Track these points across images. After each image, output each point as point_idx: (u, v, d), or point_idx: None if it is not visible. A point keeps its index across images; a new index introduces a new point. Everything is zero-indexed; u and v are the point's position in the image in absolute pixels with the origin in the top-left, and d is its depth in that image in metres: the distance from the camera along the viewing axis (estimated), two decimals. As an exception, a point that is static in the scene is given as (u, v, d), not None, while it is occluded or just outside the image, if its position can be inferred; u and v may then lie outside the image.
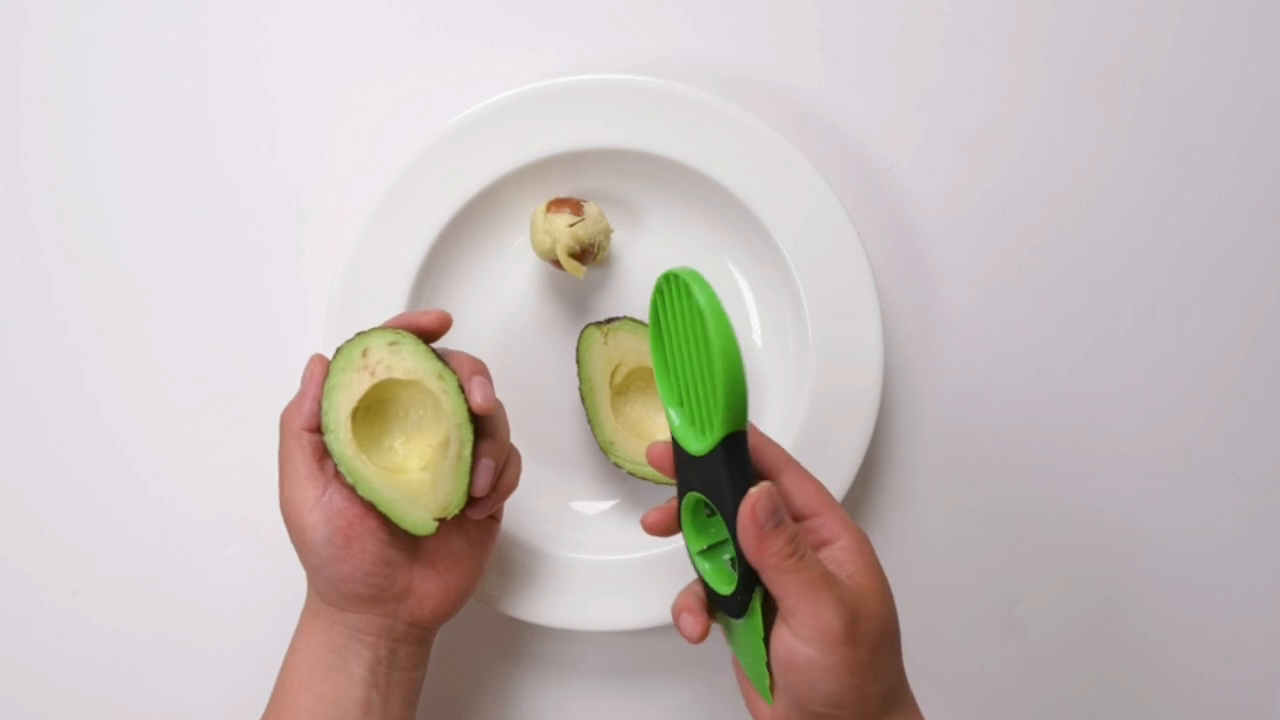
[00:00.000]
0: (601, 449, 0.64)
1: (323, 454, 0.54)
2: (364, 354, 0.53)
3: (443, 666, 0.68)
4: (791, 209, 0.64)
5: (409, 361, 0.53)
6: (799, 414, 0.64)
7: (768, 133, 0.64)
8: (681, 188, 0.66)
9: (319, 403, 0.53)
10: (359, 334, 0.54)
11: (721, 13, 0.69)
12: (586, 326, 0.64)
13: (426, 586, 0.55)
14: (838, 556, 0.49)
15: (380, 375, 0.53)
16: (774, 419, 0.66)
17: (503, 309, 0.67)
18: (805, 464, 0.64)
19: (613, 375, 0.64)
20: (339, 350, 0.54)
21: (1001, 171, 0.69)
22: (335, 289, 0.64)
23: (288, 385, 0.67)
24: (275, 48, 0.68)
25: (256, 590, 0.67)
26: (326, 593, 0.53)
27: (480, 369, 0.56)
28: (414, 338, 0.54)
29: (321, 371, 0.54)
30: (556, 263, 0.63)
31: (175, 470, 0.67)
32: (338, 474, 0.53)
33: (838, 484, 0.64)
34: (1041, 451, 0.69)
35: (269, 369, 0.67)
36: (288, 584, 0.67)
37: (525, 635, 0.68)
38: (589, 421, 0.64)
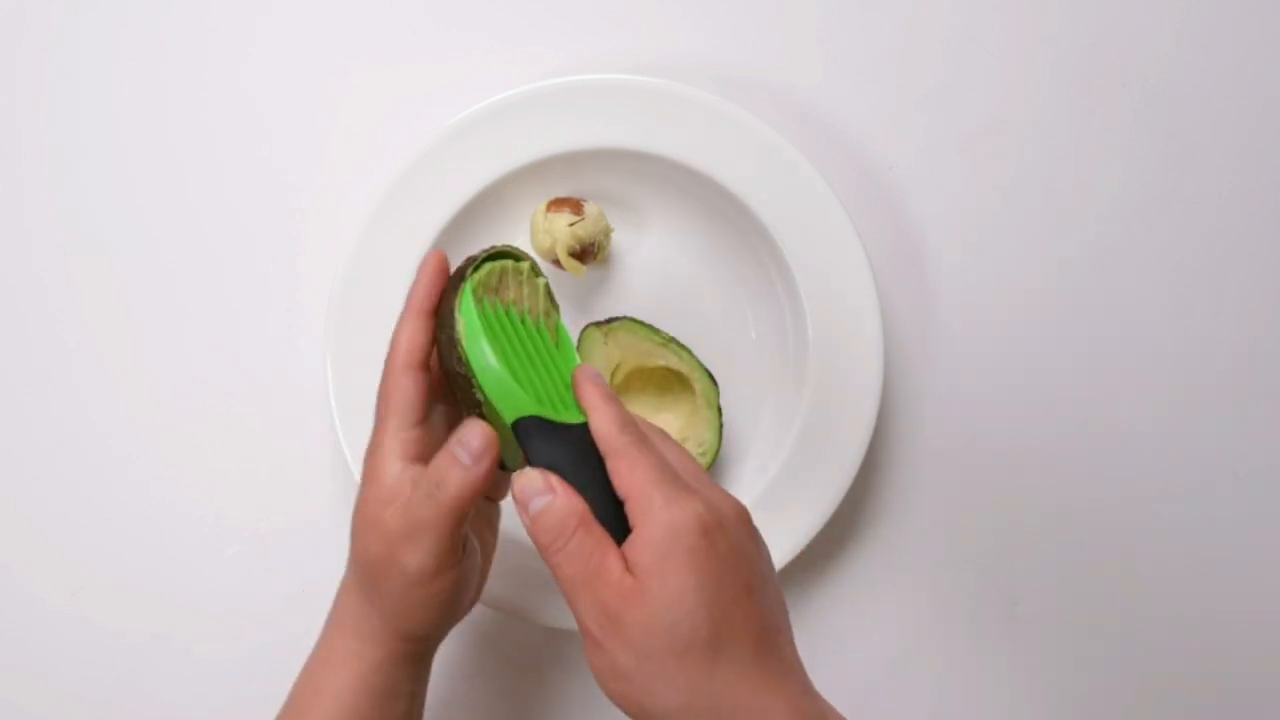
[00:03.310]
0: (601, 449, 0.64)
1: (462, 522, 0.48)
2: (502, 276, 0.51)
3: (442, 666, 0.68)
4: (791, 209, 0.64)
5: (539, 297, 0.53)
6: (799, 414, 0.64)
7: (768, 133, 0.64)
8: (681, 188, 0.66)
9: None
10: (489, 257, 0.51)
11: (721, 13, 0.69)
12: (586, 326, 0.64)
13: (472, 595, 0.53)
14: (629, 548, 0.44)
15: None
16: (773, 419, 0.66)
17: (503, 309, 0.66)
18: (804, 465, 0.64)
19: (613, 375, 0.64)
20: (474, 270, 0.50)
21: (1002, 171, 0.69)
22: (336, 289, 0.64)
23: (288, 385, 0.68)
24: (275, 48, 0.68)
25: (256, 590, 0.67)
26: (427, 631, 0.51)
27: None
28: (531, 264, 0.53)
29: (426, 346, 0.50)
30: (557, 262, 0.63)
31: (175, 471, 0.67)
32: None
33: (838, 484, 0.64)
34: (1041, 451, 0.69)
35: (269, 369, 0.67)
36: (288, 584, 0.67)
37: (525, 635, 0.68)
38: (589, 421, 0.64)
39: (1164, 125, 0.69)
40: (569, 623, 0.63)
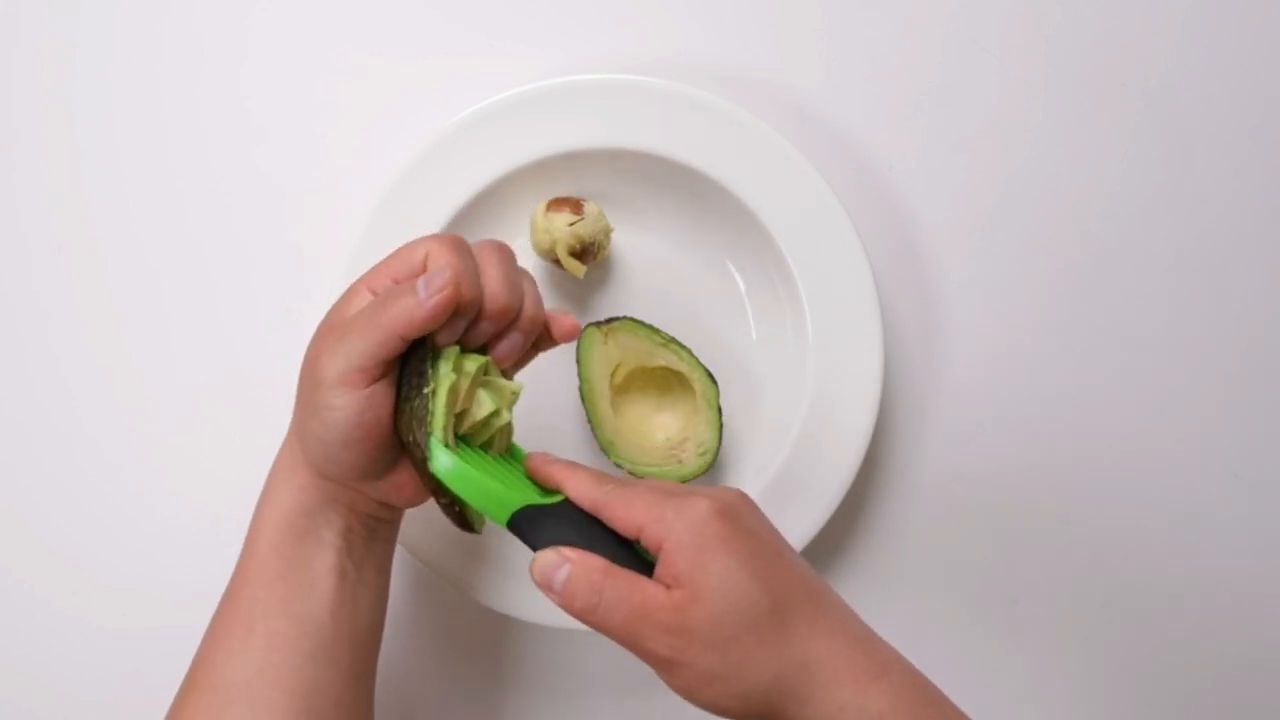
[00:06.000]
0: (601, 449, 0.64)
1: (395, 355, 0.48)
2: (461, 376, 0.50)
3: (440, 666, 0.68)
4: (792, 209, 0.64)
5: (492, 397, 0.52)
6: (799, 414, 0.64)
7: (768, 132, 0.64)
8: (681, 188, 0.66)
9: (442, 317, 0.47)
10: (454, 357, 0.50)
11: (722, 13, 0.69)
12: (586, 326, 0.64)
13: (404, 476, 0.52)
14: (661, 569, 0.46)
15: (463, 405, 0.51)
16: (773, 419, 0.66)
17: (503, 309, 0.66)
18: (804, 465, 0.64)
19: (613, 375, 0.64)
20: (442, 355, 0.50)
21: (1002, 171, 0.69)
22: (336, 290, 0.63)
23: (287, 387, 0.67)
24: (273, 49, 0.68)
25: (256, 590, 0.67)
26: (319, 459, 0.50)
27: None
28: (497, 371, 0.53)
29: (454, 291, 0.47)
30: (557, 262, 0.63)
31: (175, 472, 0.67)
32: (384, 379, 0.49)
33: (837, 484, 0.64)
34: (1041, 451, 0.69)
35: (269, 371, 0.67)
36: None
37: (525, 635, 0.68)
38: (589, 421, 0.64)
39: (1164, 125, 0.69)
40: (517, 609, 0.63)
